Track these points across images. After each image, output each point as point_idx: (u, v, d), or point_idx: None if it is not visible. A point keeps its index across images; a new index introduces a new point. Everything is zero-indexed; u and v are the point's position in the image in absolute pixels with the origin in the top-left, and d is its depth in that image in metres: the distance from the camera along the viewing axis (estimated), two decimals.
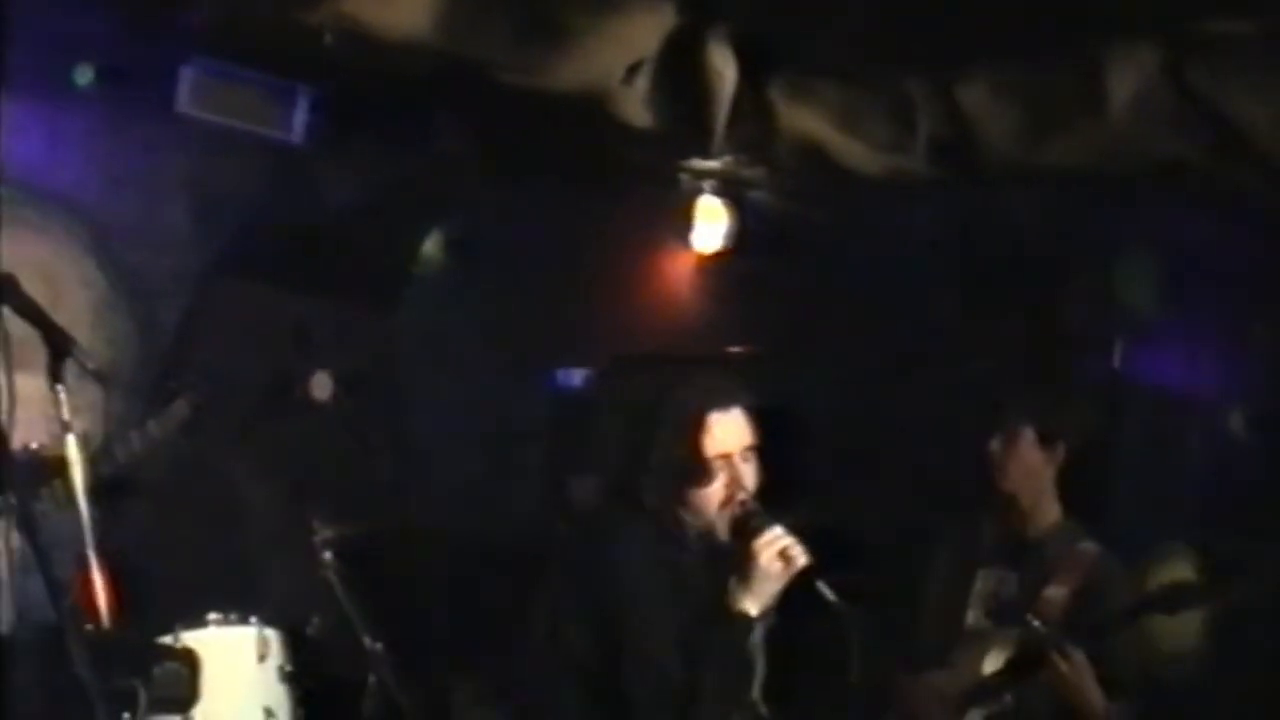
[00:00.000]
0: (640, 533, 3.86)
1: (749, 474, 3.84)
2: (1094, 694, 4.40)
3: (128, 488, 4.92)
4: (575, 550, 4.13)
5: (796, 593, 3.77)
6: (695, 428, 3.81)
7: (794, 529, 3.73)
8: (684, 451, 3.81)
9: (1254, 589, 4.86)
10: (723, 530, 3.82)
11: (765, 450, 3.89)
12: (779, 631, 3.90)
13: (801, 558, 3.69)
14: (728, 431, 3.84)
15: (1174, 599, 4.64)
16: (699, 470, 3.80)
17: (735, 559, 3.75)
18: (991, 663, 4.57)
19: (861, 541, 5.29)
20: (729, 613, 3.73)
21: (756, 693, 3.91)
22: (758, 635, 3.86)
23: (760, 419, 3.89)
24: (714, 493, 3.81)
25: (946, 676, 4.62)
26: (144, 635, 4.55)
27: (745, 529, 3.77)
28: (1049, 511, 4.71)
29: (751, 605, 3.73)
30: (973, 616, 4.70)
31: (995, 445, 4.68)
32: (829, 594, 3.69)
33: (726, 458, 3.82)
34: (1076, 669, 4.38)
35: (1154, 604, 4.59)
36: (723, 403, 3.85)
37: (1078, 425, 4.76)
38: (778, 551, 3.69)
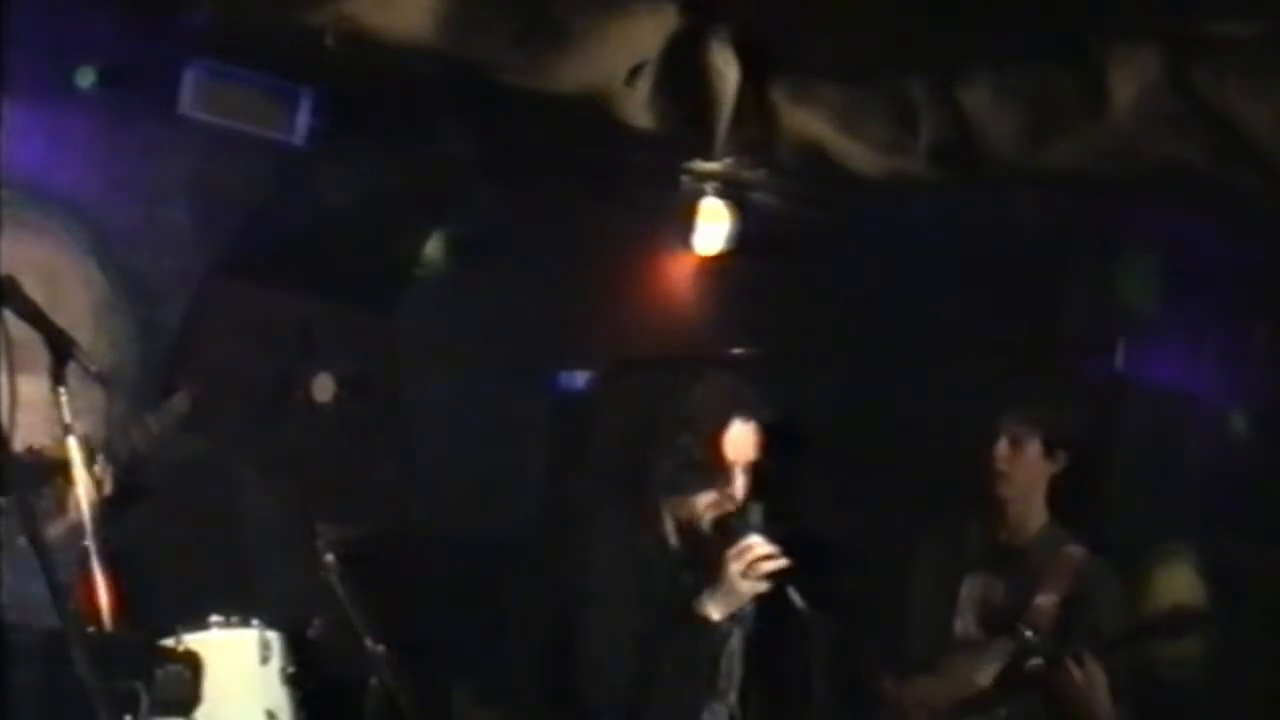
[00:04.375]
0: (617, 528, 3.87)
1: (742, 487, 3.85)
2: (1105, 705, 4.39)
3: (132, 486, 4.93)
4: (549, 539, 4.14)
5: (773, 599, 3.77)
6: (719, 431, 3.82)
7: (774, 537, 3.73)
8: (705, 453, 3.81)
9: (1256, 610, 4.88)
10: (704, 529, 3.83)
11: (765, 461, 3.91)
12: (757, 638, 3.90)
13: (769, 565, 3.69)
14: (743, 441, 3.85)
15: (1178, 625, 4.66)
16: (717, 472, 3.81)
17: (709, 558, 3.76)
18: (985, 673, 4.57)
19: (853, 544, 5.29)
20: (691, 615, 3.73)
21: (734, 699, 3.91)
22: (735, 642, 3.86)
23: (768, 435, 3.90)
24: (706, 497, 3.83)
25: (937, 685, 4.62)
26: (146, 637, 4.55)
27: (725, 529, 3.78)
28: (1037, 516, 4.72)
29: (714, 610, 3.73)
30: (962, 625, 4.70)
31: (1002, 452, 4.67)
32: (798, 600, 3.71)
33: (731, 465, 3.83)
34: (1091, 678, 4.37)
35: (1158, 630, 4.60)
36: (746, 413, 3.86)
37: (1081, 435, 4.77)
38: (749, 562, 3.70)
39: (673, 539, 3.89)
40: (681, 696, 3.79)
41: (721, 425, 3.82)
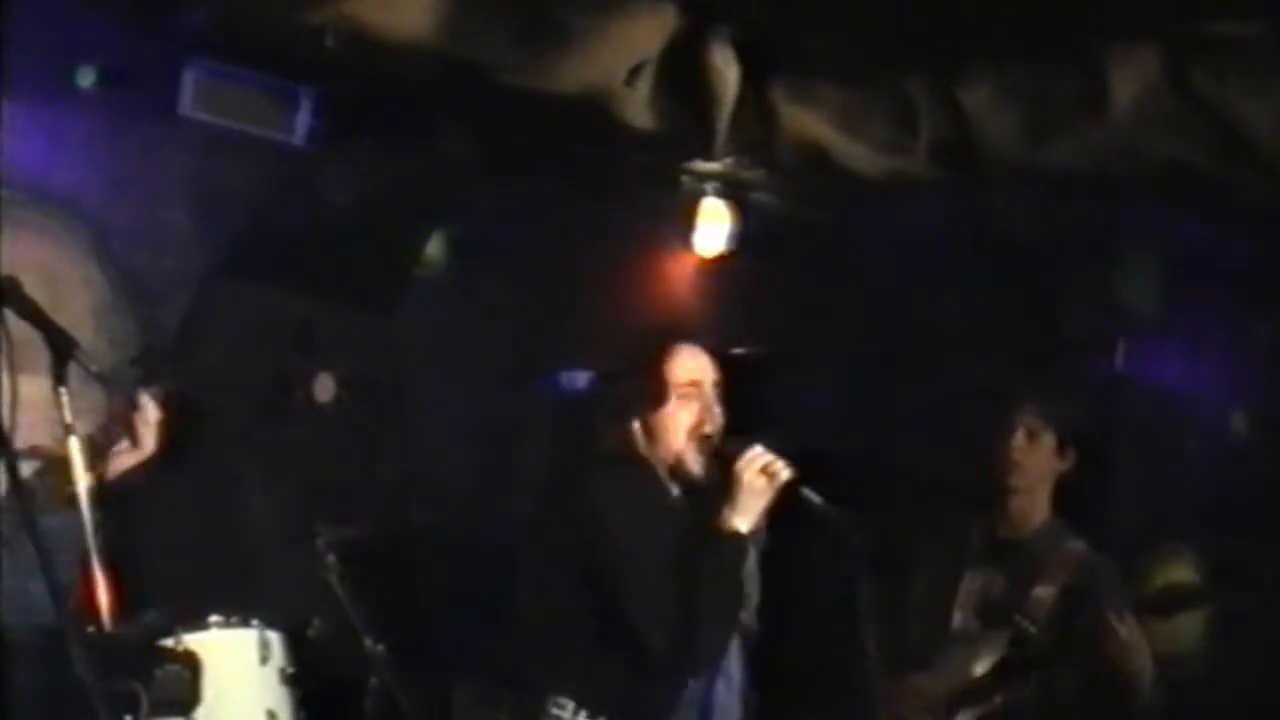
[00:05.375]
0: (619, 477, 3.93)
1: (718, 407, 3.95)
2: (1147, 658, 4.41)
3: (131, 486, 4.92)
4: (557, 506, 4.18)
5: (785, 513, 3.85)
6: (661, 354, 3.96)
7: (771, 448, 3.82)
8: (649, 376, 3.93)
9: (1249, 593, 4.88)
10: (693, 461, 3.92)
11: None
12: (772, 553, 3.96)
13: (784, 471, 3.79)
14: (695, 361, 3.98)
15: (1169, 603, 4.67)
16: (662, 393, 3.92)
17: (719, 484, 3.86)
18: (981, 664, 4.57)
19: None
20: (720, 533, 3.80)
21: (750, 616, 3.96)
22: (751, 559, 3.91)
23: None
24: (682, 419, 3.93)
25: (933, 678, 4.62)
26: (146, 637, 4.54)
27: (724, 454, 3.86)
28: (1040, 512, 4.73)
29: (741, 523, 3.80)
30: (960, 618, 4.70)
31: (1019, 442, 4.68)
32: (815, 499, 3.78)
33: (695, 385, 3.95)
34: (1133, 630, 4.38)
35: (1149, 608, 4.61)
36: (688, 338, 4.02)
37: (1088, 435, 4.79)
38: (760, 467, 3.79)
39: (674, 490, 3.97)
40: (727, 615, 3.87)
41: (664, 350, 3.96)
